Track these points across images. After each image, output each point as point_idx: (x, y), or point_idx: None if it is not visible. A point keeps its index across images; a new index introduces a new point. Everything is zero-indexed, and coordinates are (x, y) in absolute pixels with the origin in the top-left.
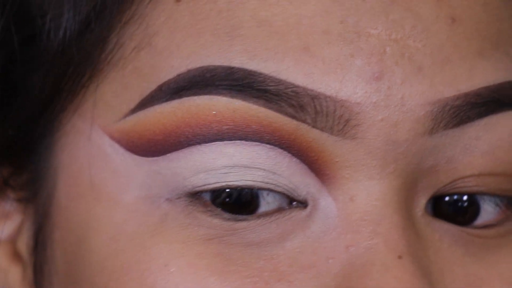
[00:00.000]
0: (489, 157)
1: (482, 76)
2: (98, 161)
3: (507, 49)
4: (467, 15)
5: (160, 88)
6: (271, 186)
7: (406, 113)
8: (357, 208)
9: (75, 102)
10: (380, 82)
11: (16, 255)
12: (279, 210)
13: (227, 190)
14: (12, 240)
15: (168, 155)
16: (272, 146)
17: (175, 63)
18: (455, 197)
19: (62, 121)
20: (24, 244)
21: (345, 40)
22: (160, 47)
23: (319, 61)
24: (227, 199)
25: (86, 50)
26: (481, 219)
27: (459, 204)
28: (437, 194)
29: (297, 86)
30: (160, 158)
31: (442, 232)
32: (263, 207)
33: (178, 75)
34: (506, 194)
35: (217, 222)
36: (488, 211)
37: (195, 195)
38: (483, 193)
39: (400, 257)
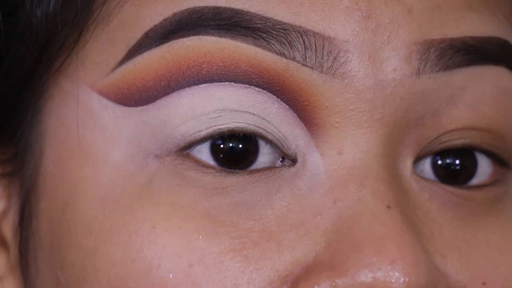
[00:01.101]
0: (473, 111)
1: (470, 26)
2: (87, 120)
3: (495, 11)
4: None
5: (147, 35)
6: (263, 132)
7: (392, 51)
8: (344, 162)
9: (60, 65)
10: (368, 21)
11: (0, 240)
12: (269, 167)
13: (222, 141)
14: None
15: (158, 101)
16: (261, 90)
17: (159, 9)
18: (448, 160)
19: (49, 86)
20: (9, 226)
21: None
22: None
23: (306, 0)
24: (226, 147)
25: (70, 13)
26: (477, 179)
27: (456, 162)
28: (423, 152)
29: (285, 23)
30: (149, 106)
31: (431, 193)
32: (260, 158)
33: (165, 20)
34: (492, 150)
35: (207, 180)
36: (483, 168)
37: (185, 150)
38: (469, 146)
39: (388, 207)
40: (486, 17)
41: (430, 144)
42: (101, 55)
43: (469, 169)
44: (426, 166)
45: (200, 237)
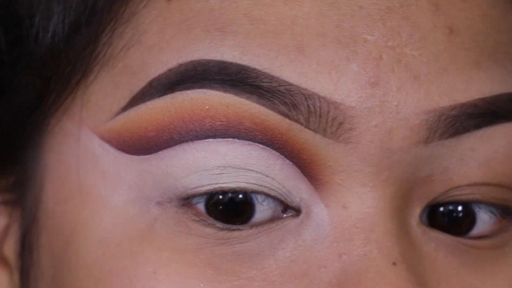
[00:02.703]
0: (485, 169)
1: (479, 87)
2: (87, 163)
3: (504, 62)
4: (465, 26)
5: (151, 84)
6: (265, 190)
7: (401, 121)
8: (349, 215)
9: (63, 103)
10: (376, 88)
11: (2, 260)
12: (272, 219)
13: (220, 195)
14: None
15: (160, 152)
16: (264, 147)
17: (165, 58)
18: (450, 207)
19: (50, 122)
20: (11, 248)
21: (341, 43)
22: (149, 44)
23: (314, 62)
24: (221, 207)
25: (75, 51)
26: (477, 229)
27: (455, 214)
28: (432, 203)
29: (291, 84)
30: (152, 156)
31: (437, 242)
32: (258, 214)
33: (169, 70)
34: (500, 203)
35: (209, 231)
36: (483, 220)
37: (186, 200)
38: (478, 201)
39: (394, 263)
40: (494, 73)
41: (439, 197)
42: (104, 98)
43: (471, 217)
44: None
45: (201, 284)
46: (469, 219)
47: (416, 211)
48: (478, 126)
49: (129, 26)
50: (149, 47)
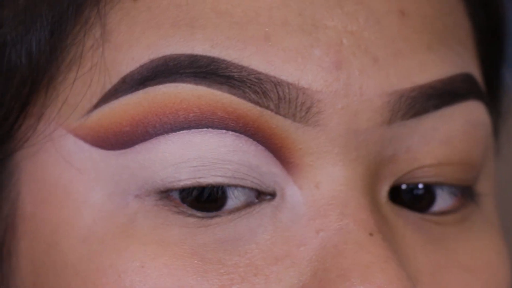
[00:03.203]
0: (446, 146)
1: (433, 69)
2: (63, 162)
3: (452, 44)
4: (414, 9)
5: (123, 80)
6: (240, 182)
7: (365, 103)
8: (322, 194)
9: (35, 106)
10: (339, 72)
11: None
12: (249, 204)
13: (198, 190)
14: None
15: (136, 146)
16: (238, 134)
17: (136, 55)
18: (411, 186)
19: (21, 127)
20: None
21: (304, 31)
22: (119, 42)
23: (280, 50)
24: (195, 196)
25: (44, 57)
26: (437, 206)
27: (415, 191)
28: (397, 183)
29: (260, 73)
30: (128, 151)
31: (404, 219)
32: (231, 201)
33: (141, 66)
34: (461, 184)
35: (190, 221)
36: (444, 198)
37: (165, 193)
38: (441, 183)
39: (371, 234)
40: (445, 55)
41: (404, 176)
42: (75, 97)
43: (431, 194)
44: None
45: (189, 275)
46: (429, 195)
47: (384, 189)
48: (437, 107)
49: (96, 27)
50: (118, 45)
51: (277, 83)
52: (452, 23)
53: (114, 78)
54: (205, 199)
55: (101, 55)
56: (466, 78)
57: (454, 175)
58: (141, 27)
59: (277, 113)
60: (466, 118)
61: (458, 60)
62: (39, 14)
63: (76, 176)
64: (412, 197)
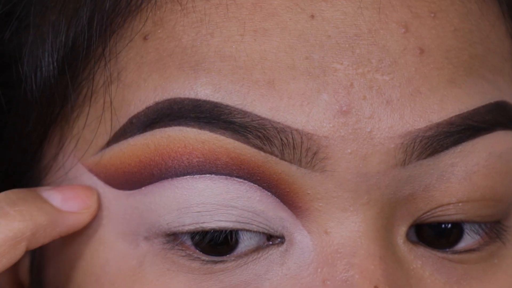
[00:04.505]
0: (466, 183)
1: (455, 104)
2: None
3: (482, 73)
4: (436, 45)
5: (131, 121)
6: (246, 226)
7: (376, 146)
8: (331, 241)
9: (53, 140)
10: (348, 116)
11: (18, 284)
12: (257, 249)
13: (203, 235)
14: (15, 269)
15: (143, 188)
16: (242, 180)
17: (143, 96)
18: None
19: (46, 155)
20: (25, 273)
21: (311, 75)
22: (128, 81)
23: (285, 95)
24: (206, 241)
25: (61, 89)
26: (464, 242)
27: (443, 226)
28: (417, 222)
29: (263, 119)
30: (136, 192)
31: (424, 260)
32: (242, 244)
33: (147, 108)
34: (486, 220)
35: (196, 266)
36: (470, 235)
37: (171, 236)
38: (461, 221)
39: (376, 287)
40: (471, 86)
41: (424, 215)
42: (90, 132)
43: (459, 229)
44: (412, 230)
45: None
46: (457, 230)
47: (401, 230)
48: (456, 142)
49: (109, 64)
50: (128, 84)
51: (281, 129)
52: (483, 51)
53: (123, 119)
54: (217, 243)
55: (113, 93)
56: (495, 108)
57: (476, 212)
58: (148, 68)
59: (282, 158)
60: (491, 151)
61: (489, 88)
62: (54, 47)
63: None
64: (438, 233)
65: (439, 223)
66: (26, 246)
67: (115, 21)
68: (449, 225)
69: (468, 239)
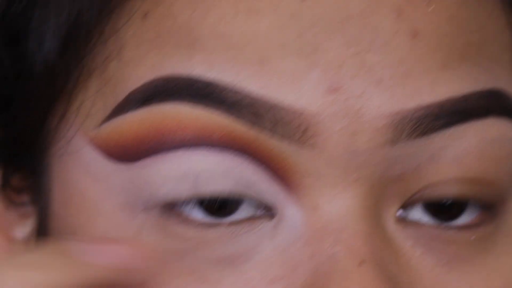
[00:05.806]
0: (457, 164)
1: (446, 87)
2: (81, 168)
3: (477, 60)
4: (430, 30)
5: (129, 97)
6: (242, 192)
7: (365, 124)
8: (321, 216)
9: (59, 111)
10: (337, 94)
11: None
12: (250, 219)
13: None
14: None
15: (140, 161)
16: (236, 153)
17: (140, 73)
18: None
19: (50, 128)
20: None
21: (302, 53)
22: (127, 58)
23: (275, 73)
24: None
25: (64, 64)
26: (458, 222)
27: (438, 204)
28: (409, 202)
29: (253, 97)
30: (134, 165)
31: (414, 240)
32: (237, 213)
33: (144, 85)
34: (479, 203)
35: (190, 234)
36: (465, 214)
37: (168, 206)
38: (455, 200)
39: (362, 263)
40: (464, 72)
41: (416, 195)
42: (92, 106)
43: (453, 208)
44: (418, 207)
45: None
46: (452, 208)
47: (392, 209)
48: (447, 125)
49: (110, 40)
50: (127, 61)
51: (271, 107)
52: (479, 40)
53: (122, 94)
54: (213, 208)
55: (113, 69)
56: (489, 95)
57: (468, 192)
58: (146, 45)
59: (274, 135)
60: (482, 136)
61: (484, 75)
62: (60, 22)
63: (91, 184)
64: (433, 211)
65: (432, 203)
66: None
67: None
68: (445, 202)
69: (463, 219)
